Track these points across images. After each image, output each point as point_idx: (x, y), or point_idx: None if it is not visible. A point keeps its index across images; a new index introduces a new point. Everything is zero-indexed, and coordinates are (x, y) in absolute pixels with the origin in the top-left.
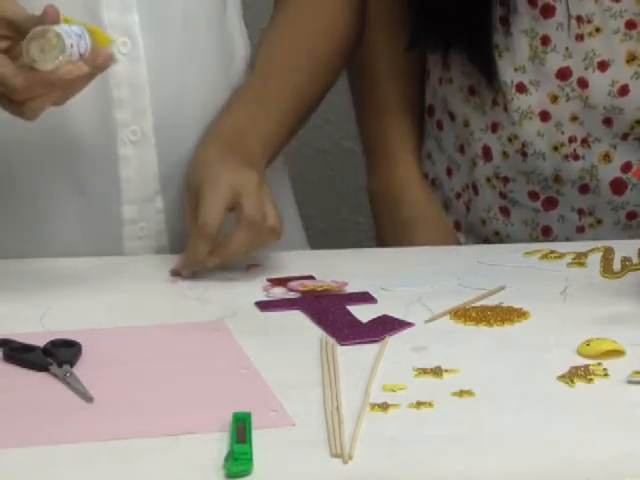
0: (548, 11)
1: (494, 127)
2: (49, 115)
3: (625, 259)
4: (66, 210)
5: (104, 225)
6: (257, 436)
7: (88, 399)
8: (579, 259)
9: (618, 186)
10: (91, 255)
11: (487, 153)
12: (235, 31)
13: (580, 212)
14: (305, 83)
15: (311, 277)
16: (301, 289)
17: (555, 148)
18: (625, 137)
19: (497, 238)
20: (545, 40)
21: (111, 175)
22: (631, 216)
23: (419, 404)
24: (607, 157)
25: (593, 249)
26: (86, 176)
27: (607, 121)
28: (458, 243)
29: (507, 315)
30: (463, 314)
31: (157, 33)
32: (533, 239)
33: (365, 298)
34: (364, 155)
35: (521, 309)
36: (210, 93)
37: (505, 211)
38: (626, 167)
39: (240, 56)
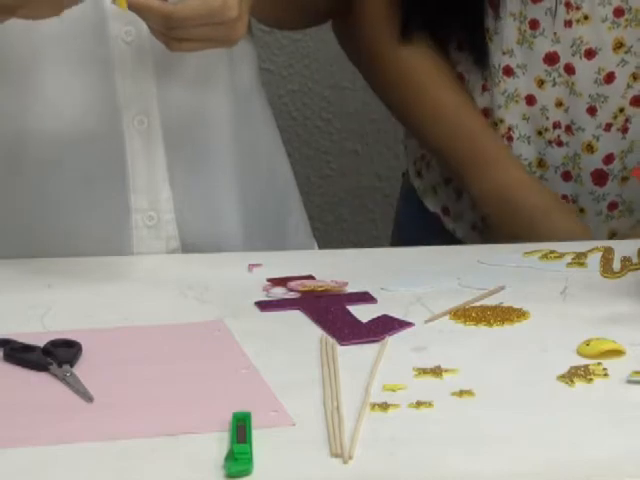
0: None
1: (484, 113)
2: (53, 106)
3: (625, 259)
4: (74, 199)
5: (113, 214)
6: (257, 436)
7: (88, 399)
8: (579, 259)
9: (599, 177)
10: (100, 244)
11: None
12: None
13: (564, 199)
14: None
15: (311, 277)
16: (301, 289)
17: (539, 133)
18: (608, 127)
19: (484, 224)
20: (534, 24)
21: (119, 164)
22: (612, 207)
23: (419, 404)
24: (590, 147)
25: (593, 249)
26: (94, 166)
27: (591, 110)
28: (589, 230)
29: (507, 315)
30: (463, 314)
31: None
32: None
33: (365, 298)
34: (450, 160)
35: (521, 309)
36: (213, 81)
37: None
38: (607, 159)
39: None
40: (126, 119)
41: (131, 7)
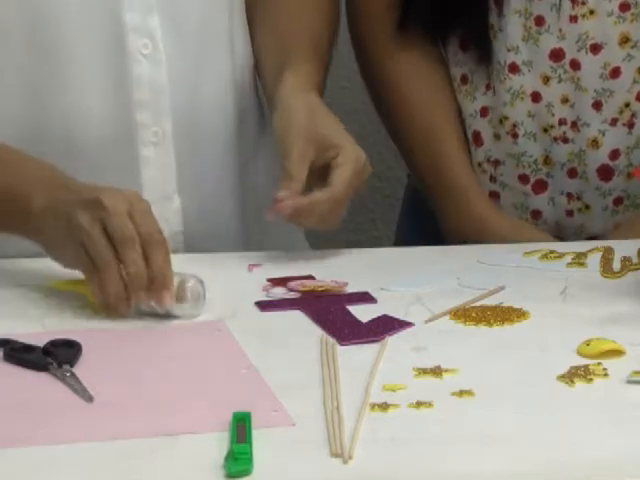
0: None
1: (483, 111)
2: (70, 117)
3: (625, 259)
4: None
5: None
6: (257, 436)
7: (88, 399)
8: (579, 259)
9: (605, 172)
10: None
11: (477, 138)
12: (240, 38)
13: (569, 196)
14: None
15: (311, 277)
16: (301, 289)
17: (545, 130)
18: (614, 122)
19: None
20: (539, 20)
21: (132, 175)
22: (618, 202)
23: (419, 404)
24: (595, 143)
25: (593, 249)
26: (107, 176)
27: (597, 105)
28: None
29: (507, 315)
30: (463, 314)
31: (175, 36)
32: (522, 219)
33: (365, 298)
34: (423, 188)
35: (521, 309)
36: (222, 97)
37: (495, 195)
38: (613, 154)
39: (244, 63)
40: (140, 131)
41: (294, 215)
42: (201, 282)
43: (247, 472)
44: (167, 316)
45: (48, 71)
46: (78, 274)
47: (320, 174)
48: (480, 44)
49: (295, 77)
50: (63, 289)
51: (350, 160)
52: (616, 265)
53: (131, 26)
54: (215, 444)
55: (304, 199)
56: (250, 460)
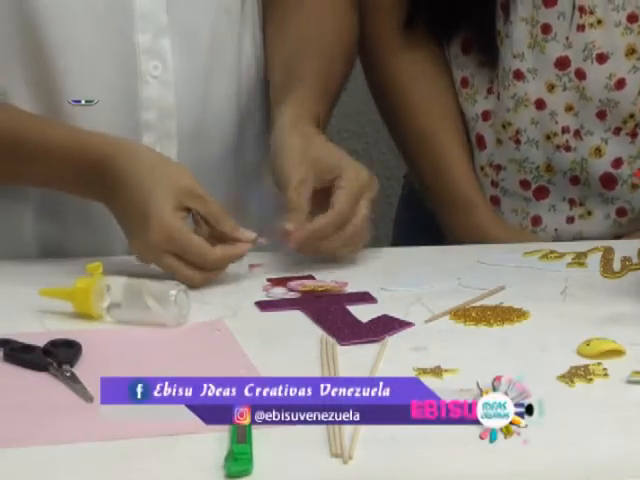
0: (550, 0)
1: (485, 115)
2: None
3: (625, 259)
4: (90, 221)
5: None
6: (257, 436)
7: (88, 399)
8: (579, 259)
9: (608, 181)
10: (106, 245)
11: (480, 141)
12: (247, 40)
13: (571, 202)
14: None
15: (311, 277)
16: (301, 289)
17: (548, 137)
18: (617, 132)
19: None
20: (546, 29)
21: None
22: (621, 213)
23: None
24: (598, 151)
25: (593, 249)
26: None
27: (601, 114)
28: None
29: (507, 315)
30: (463, 314)
31: (185, 56)
32: (522, 229)
33: (365, 298)
34: (424, 191)
35: (521, 309)
36: (227, 116)
37: (495, 200)
38: (616, 163)
39: (250, 62)
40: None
41: (302, 248)
42: (185, 291)
43: (247, 472)
44: (151, 324)
45: (58, 92)
46: (67, 280)
47: (324, 196)
48: (487, 50)
49: (294, 108)
50: (49, 296)
51: (349, 180)
52: (616, 265)
53: (142, 48)
54: (215, 444)
55: (303, 231)
56: (250, 460)
